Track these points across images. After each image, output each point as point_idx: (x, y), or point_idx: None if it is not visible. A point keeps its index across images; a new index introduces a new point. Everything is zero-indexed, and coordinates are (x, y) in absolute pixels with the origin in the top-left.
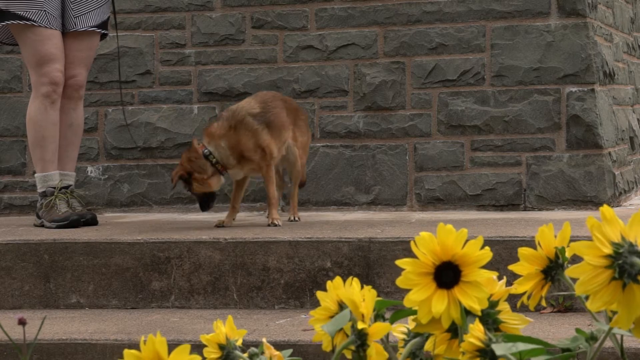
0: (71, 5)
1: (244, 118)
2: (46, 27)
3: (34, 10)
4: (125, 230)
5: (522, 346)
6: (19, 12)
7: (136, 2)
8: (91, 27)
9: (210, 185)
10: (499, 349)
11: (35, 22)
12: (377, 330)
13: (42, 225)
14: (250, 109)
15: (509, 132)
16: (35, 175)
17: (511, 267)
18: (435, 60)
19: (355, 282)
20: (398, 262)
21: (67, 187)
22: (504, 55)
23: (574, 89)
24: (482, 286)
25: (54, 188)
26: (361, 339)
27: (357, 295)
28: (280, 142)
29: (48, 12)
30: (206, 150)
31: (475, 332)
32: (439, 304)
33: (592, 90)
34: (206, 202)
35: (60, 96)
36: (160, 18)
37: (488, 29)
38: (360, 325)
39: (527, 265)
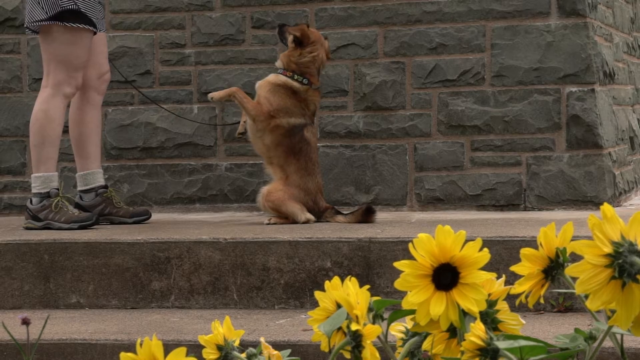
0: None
1: None
2: (96, 33)
3: (98, 18)
4: (125, 230)
5: (523, 342)
6: (93, 18)
7: (136, 2)
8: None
9: None
10: (501, 344)
11: (97, 31)
12: (370, 331)
13: (48, 228)
14: None
15: (509, 132)
16: (38, 175)
17: (513, 268)
18: (435, 60)
19: (351, 282)
20: (396, 265)
21: (106, 187)
22: (504, 55)
23: (574, 89)
24: (480, 288)
25: (58, 189)
26: (356, 340)
27: (352, 296)
28: None
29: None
30: None
31: (477, 331)
32: (438, 306)
33: (592, 90)
34: None
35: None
36: (160, 18)
37: (488, 29)
38: (354, 327)
39: (528, 265)
